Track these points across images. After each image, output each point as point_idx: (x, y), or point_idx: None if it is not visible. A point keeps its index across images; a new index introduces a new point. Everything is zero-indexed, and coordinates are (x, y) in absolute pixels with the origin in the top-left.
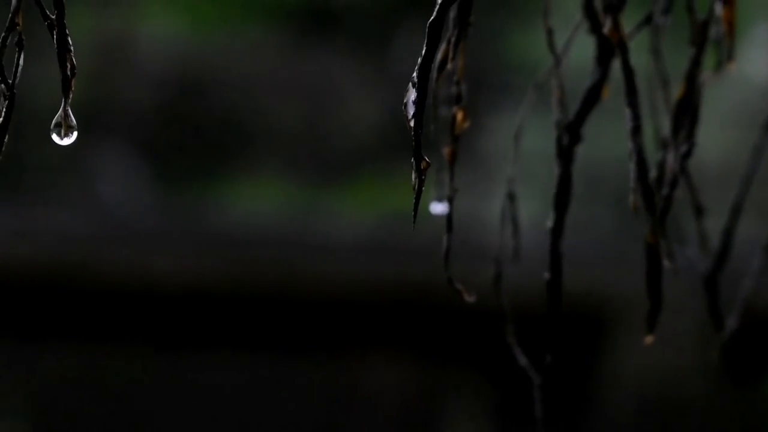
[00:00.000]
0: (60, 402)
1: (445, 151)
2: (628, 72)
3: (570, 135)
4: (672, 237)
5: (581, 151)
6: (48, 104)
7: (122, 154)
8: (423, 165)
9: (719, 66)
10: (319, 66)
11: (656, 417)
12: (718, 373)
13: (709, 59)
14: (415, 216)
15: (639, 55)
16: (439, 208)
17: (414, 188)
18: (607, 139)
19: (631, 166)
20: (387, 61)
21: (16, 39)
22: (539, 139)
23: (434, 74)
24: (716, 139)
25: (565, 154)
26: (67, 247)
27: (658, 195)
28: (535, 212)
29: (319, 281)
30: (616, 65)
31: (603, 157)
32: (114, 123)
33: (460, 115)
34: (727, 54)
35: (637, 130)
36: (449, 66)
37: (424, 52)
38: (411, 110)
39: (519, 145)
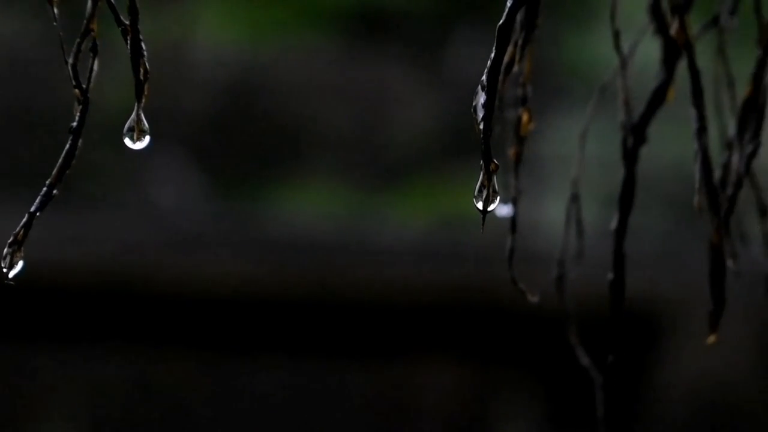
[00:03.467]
0: (115, 406)
1: (511, 152)
2: (695, 73)
3: (635, 136)
4: (735, 237)
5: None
6: (102, 110)
7: (177, 161)
8: (492, 167)
9: None
10: (372, 71)
11: (709, 422)
12: None
13: None
14: (483, 219)
15: (704, 57)
16: (504, 210)
17: (481, 191)
18: (660, 142)
19: (696, 167)
20: (440, 66)
21: (90, 44)
22: (591, 143)
23: (501, 77)
24: None
25: (630, 156)
26: (121, 253)
27: (722, 195)
28: (591, 216)
29: (371, 286)
30: (680, 67)
31: (657, 159)
32: (169, 129)
33: (525, 117)
34: None
35: (702, 131)
36: (515, 68)
37: (493, 55)
38: (480, 113)
39: (584, 147)
